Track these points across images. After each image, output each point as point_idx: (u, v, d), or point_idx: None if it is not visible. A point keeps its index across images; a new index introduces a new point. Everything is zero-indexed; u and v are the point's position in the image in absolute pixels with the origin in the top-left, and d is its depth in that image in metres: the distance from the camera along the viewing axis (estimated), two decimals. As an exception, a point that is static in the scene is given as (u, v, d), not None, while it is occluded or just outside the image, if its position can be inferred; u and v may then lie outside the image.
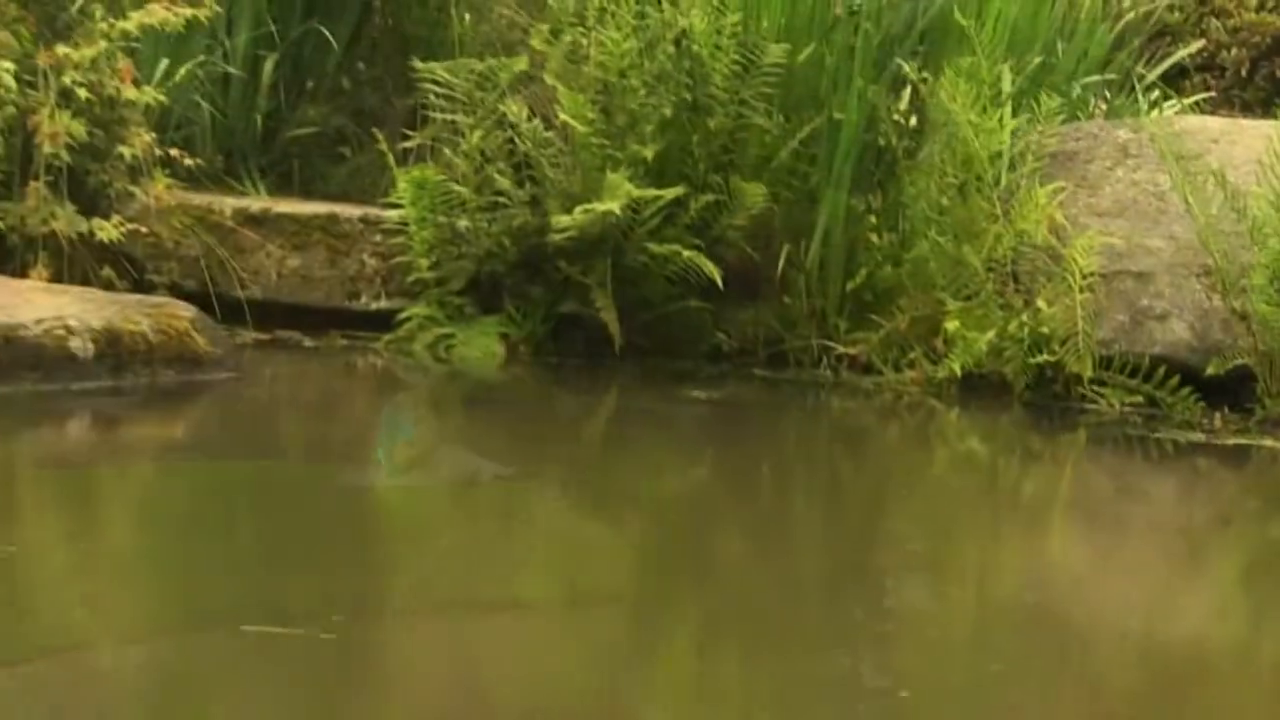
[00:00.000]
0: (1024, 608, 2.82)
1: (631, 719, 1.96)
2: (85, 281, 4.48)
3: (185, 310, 3.83)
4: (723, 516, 3.38)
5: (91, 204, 4.62)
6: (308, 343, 4.50)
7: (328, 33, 5.16)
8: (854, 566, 3.00)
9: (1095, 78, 5.13)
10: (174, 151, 4.63)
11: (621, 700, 1.99)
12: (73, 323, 3.57)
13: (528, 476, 3.46)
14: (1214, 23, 6.06)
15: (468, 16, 5.20)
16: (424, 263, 4.65)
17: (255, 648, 1.96)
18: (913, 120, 4.62)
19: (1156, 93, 5.31)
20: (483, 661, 2.12)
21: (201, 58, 4.89)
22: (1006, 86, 4.60)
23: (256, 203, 4.86)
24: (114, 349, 3.60)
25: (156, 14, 4.55)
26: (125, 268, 4.63)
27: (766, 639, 2.37)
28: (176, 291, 4.53)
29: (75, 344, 3.53)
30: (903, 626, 2.56)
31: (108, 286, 4.44)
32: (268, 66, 5.08)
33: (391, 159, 4.77)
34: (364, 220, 4.80)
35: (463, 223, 4.60)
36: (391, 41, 5.36)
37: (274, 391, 4.22)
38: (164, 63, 4.82)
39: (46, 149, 4.41)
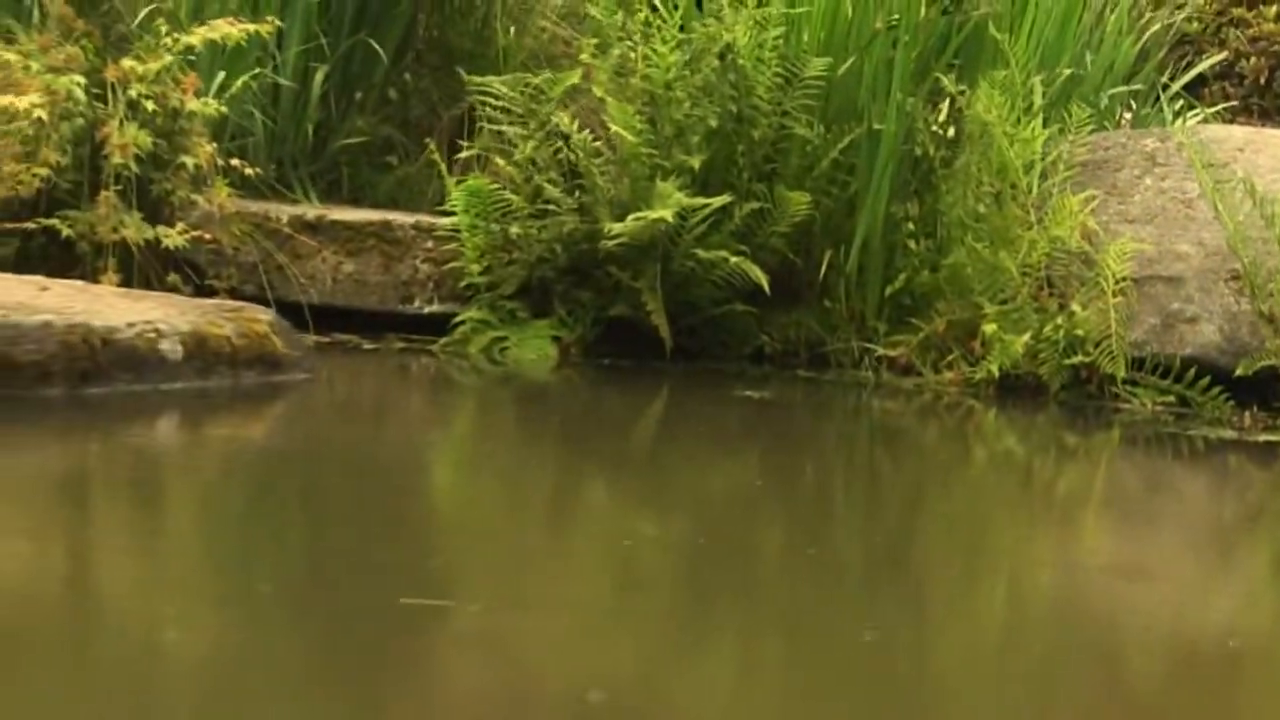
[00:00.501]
0: (1057, 598, 3.02)
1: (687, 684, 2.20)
2: (149, 287, 4.75)
3: (263, 314, 4.10)
4: (775, 508, 3.63)
5: (154, 212, 4.88)
6: (366, 345, 4.76)
7: (376, 45, 5.42)
8: (895, 558, 3.23)
9: (1122, 88, 5.41)
10: (234, 161, 4.90)
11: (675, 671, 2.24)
12: (162, 326, 3.83)
13: (592, 470, 3.73)
14: (1233, 32, 6.35)
15: (512, 30, 5.48)
16: (475, 268, 4.92)
17: (418, 616, 2.23)
18: (950, 131, 4.89)
19: (1181, 102, 5.59)
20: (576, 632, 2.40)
21: (257, 70, 5.15)
22: (1038, 99, 4.88)
23: (312, 210, 5.13)
24: (201, 351, 3.86)
25: (220, 29, 4.82)
26: (187, 274, 4.89)
27: (807, 624, 2.55)
28: (236, 296, 4.79)
29: (165, 346, 3.79)
30: (939, 614, 2.77)
31: (173, 292, 4.70)
32: (318, 78, 5.35)
33: (444, 168, 5.03)
34: (416, 227, 5.07)
35: (514, 229, 4.86)
36: (436, 54, 5.64)
37: (350, 391, 4.49)
38: (220, 75, 5.09)
39: (116, 160, 4.67)
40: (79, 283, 4.33)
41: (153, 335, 3.81)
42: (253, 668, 2.05)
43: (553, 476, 3.74)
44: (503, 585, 2.60)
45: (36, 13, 5.52)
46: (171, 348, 3.82)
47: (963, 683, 2.34)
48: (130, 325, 3.81)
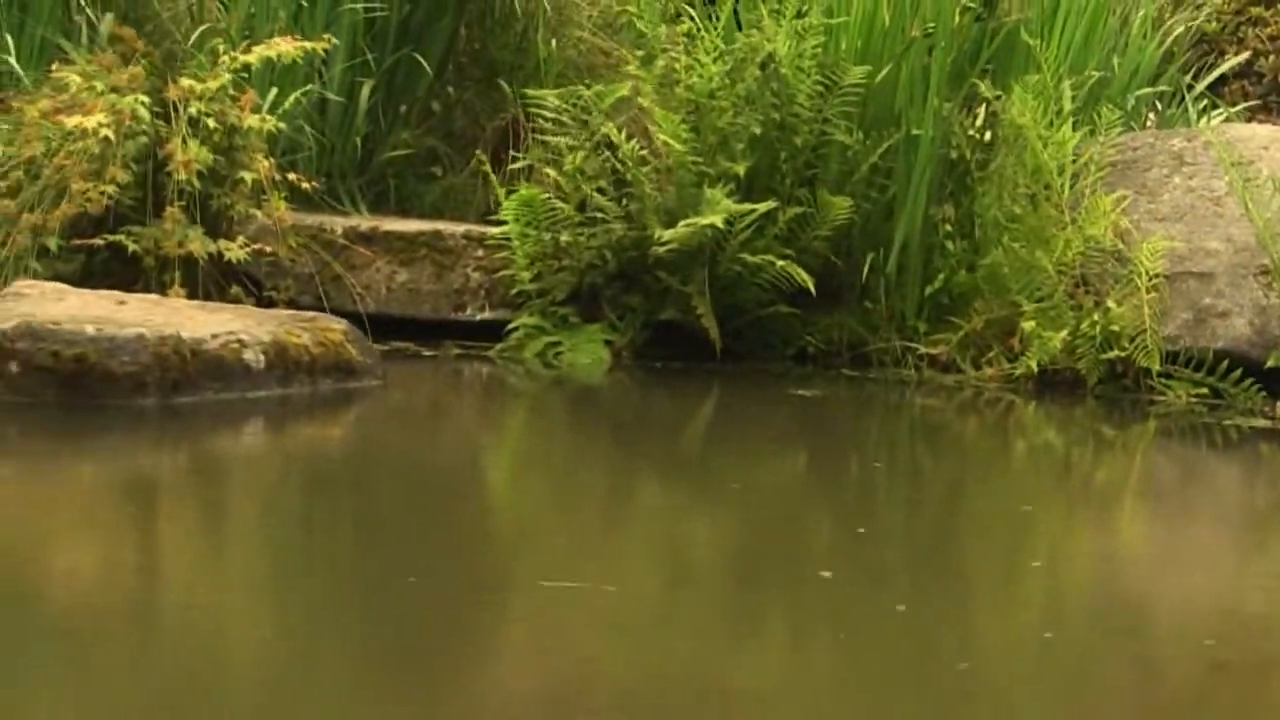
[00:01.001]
0: (1095, 582, 3.26)
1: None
2: (210, 299, 5.00)
3: (337, 323, 4.36)
4: (832, 499, 3.92)
5: (213, 226, 5.14)
6: (425, 352, 5.02)
7: (421, 59, 5.68)
8: (939, 545, 3.50)
9: (1147, 90, 5.68)
10: (291, 176, 5.15)
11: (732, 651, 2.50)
12: (244, 337, 4.09)
13: (660, 465, 4.01)
14: (1251, 31, 6.63)
15: (553, 41, 5.74)
16: (526, 275, 5.18)
17: (561, 597, 2.50)
18: (986, 135, 5.15)
19: (1205, 102, 5.87)
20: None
21: (310, 86, 5.41)
22: (1068, 103, 5.14)
23: (365, 222, 5.39)
24: (282, 360, 4.12)
25: (278, 47, 5.08)
26: (247, 286, 5.15)
27: (856, 610, 2.78)
28: (293, 307, 5.05)
29: (249, 356, 4.05)
30: (981, 600, 3.02)
31: (235, 303, 4.96)
32: (364, 92, 5.61)
33: (494, 179, 5.29)
34: (466, 237, 5.33)
35: (564, 237, 5.12)
36: (478, 66, 5.90)
37: (420, 397, 4.76)
38: (273, 91, 5.35)
39: (181, 176, 4.93)
40: (154, 296, 4.60)
41: (236, 345, 4.07)
42: (367, 646, 2.32)
43: (626, 472, 4.02)
44: (596, 569, 2.87)
45: (85, 30, 5.80)
46: (254, 357, 4.08)
47: (1004, 668, 2.54)
48: (215, 336, 4.08)
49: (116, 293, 4.55)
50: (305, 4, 5.57)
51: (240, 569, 2.94)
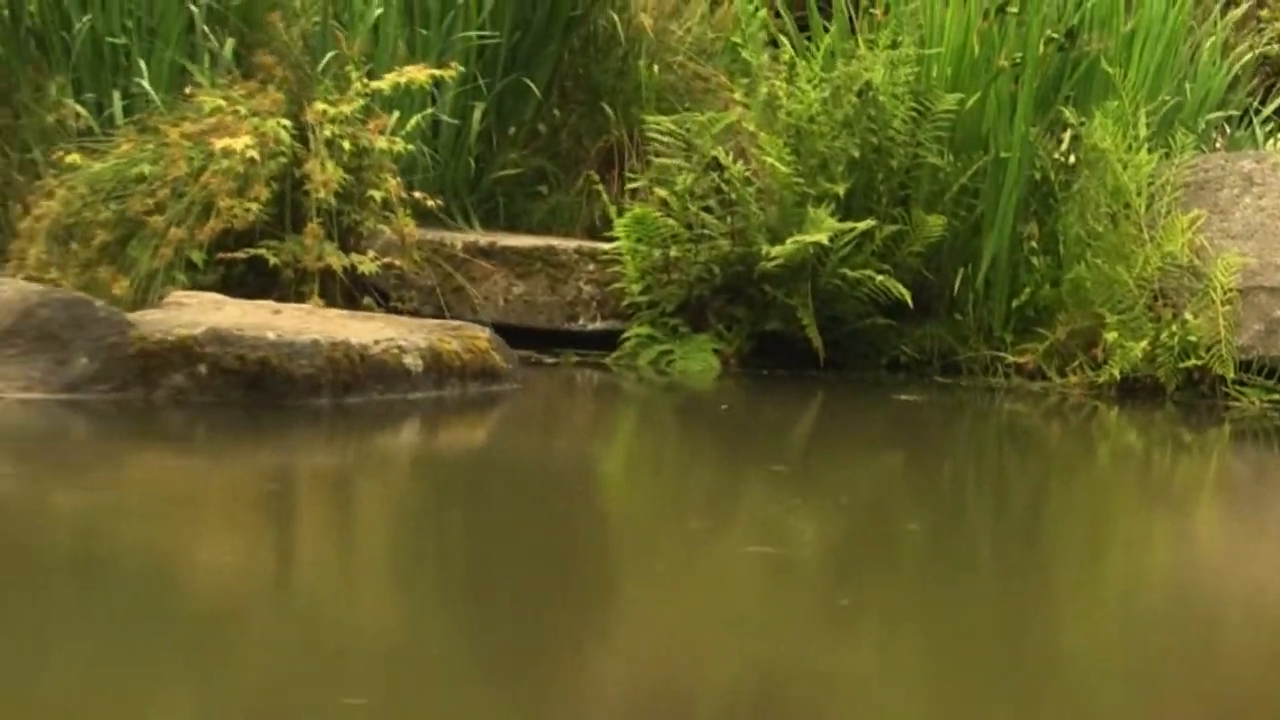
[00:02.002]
0: (1172, 574, 3.71)
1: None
2: (341, 309, 5.56)
3: (482, 332, 4.92)
4: (927, 494, 4.45)
5: (343, 241, 5.70)
6: (547, 360, 5.57)
7: (530, 83, 6.25)
8: (1029, 538, 4.01)
9: (1217, 114, 6.23)
10: (417, 194, 5.71)
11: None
12: (403, 343, 4.64)
13: (783, 462, 4.57)
14: (1312, 56, 7.17)
15: (655, 67, 6.30)
16: (636, 288, 5.72)
17: (765, 558, 3.05)
18: (1070, 158, 5.70)
19: (1271, 124, 6.42)
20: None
21: (429, 110, 5.97)
22: (1143, 130, 5.69)
23: (483, 237, 5.94)
24: (437, 365, 4.67)
25: (409, 74, 5.65)
26: (375, 297, 5.71)
27: (946, 599, 3.16)
28: (417, 317, 5.60)
29: (408, 360, 4.60)
30: (1066, 589, 3.46)
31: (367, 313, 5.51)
32: (476, 115, 6.17)
33: (606, 197, 5.85)
34: (578, 251, 5.89)
35: (673, 253, 5.68)
36: (582, 90, 6.46)
37: (553, 400, 5.33)
38: (395, 114, 5.91)
39: (320, 195, 5.49)
40: (306, 305, 5.15)
41: (396, 351, 4.63)
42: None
43: (743, 470, 4.56)
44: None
45: (207, 55, 6.37)
46: (413, 362, 4.63)
47: (1085, 654, 2.82)
48: (377, 342, 4.63)
49: (270, 302, 5.12)
50: (423, 32, 6.14)
51: (387, 558, 3.39)
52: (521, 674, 2.47)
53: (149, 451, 4.33)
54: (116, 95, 6.24)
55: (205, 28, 6.39)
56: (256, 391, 4.40)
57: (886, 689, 2.50)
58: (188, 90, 5.97)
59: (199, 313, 4.85)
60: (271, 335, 4.45)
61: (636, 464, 4.53)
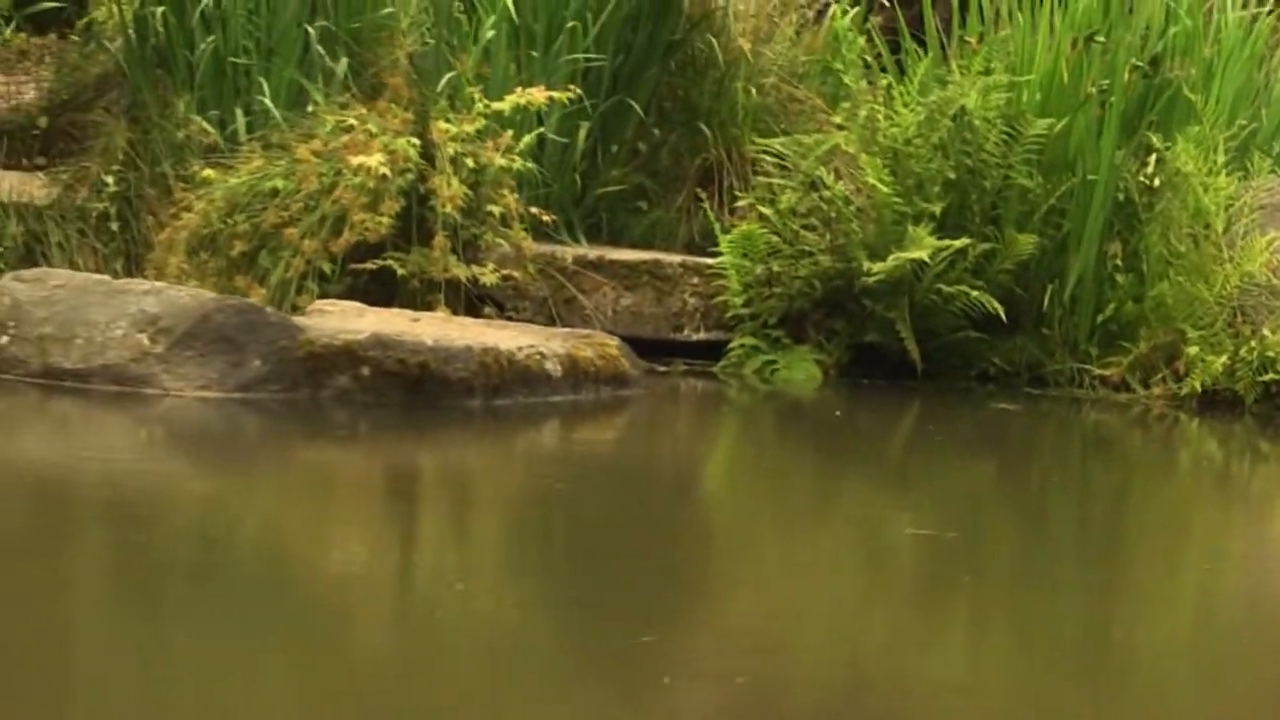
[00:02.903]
0: (1248, 577, 4.16)
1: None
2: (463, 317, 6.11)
3: (611, 340, 5.47)
4: (1018, 497, 5.00)
5: (463, 253, 6.26)
6: (659, 368, 6.12)
7: (632, 103, 6.81)
8: (1114, 541, 4.54)
9: (1292, 138, 6.79)
10: (534, 210, 6.27)
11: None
12: (543, 350, 5.20)
13: (893, 464, 5.13)
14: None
15: (752, 90, 6.87)
16: (739, 300, 6.28)
17: (921, 540, 3.61)
18: (1154, 180, 6.25)
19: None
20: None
21: (540, 129, 6.53)
22: (1222, 154, 6.24)
23: (592, 251, 6.50)
24: (574, 370, 5.23)
25: (528, 95, 6.22)
26: (493, 307, 6.26)
27: (1031, 599, 3.59)
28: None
29: (549, 366, 5.15)
30: (1146, 591, 3.93)
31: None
32: (581, 134, 6.72)
33: (711, 214, 6.42)
34: (683, 265, 6.44)
35: (775, 267, 6.23)
36: (680, 110, 7.02)
37: (674, 404, 5.89)
38: (508, 133, 6.46)
39: (447, 210, 6.05)
40: (439, 314, 5.71)
41: (538, 357, 5.18)
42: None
43: (853, 473, 5.14)
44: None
45: (321, 74, 6.93)
46: (553, 367, 5.19)
47: (1164, 655, 3.14)
48: (520, 349, 5.19)
49: (407, 311, 5.68)
50: (532, 55, 6.70)
51: (514, 552, 3.86)
52: (612, 670, 2.74)
53: (317, 447, 4.89)
54: (239, 112, 6.81)
55: (320, 48, 6.97)
56: (414, 393, 4.96)
57: (978, 679, 2.86)
58: (310, 108, 6.55)
59: (343, 319, 5.41)
60: (429, 341, 5.00)
61: (761, 463, 5.12)
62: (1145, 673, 3.00)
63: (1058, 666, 2.95)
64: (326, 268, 6.05)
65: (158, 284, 5.21)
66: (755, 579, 3.63)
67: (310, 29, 6.95)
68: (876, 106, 6.26)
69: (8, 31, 8.35)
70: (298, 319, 5.11)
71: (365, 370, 4.95)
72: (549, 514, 4.27)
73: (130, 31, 7.11)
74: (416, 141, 6.12)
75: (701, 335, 6.38)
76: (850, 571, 3.83)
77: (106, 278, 5.43)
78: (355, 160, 6.01)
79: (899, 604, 3.54)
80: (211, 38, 6.90)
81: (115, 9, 7.34)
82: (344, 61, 6.93)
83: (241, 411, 4.88)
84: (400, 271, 6.07)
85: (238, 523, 3.93)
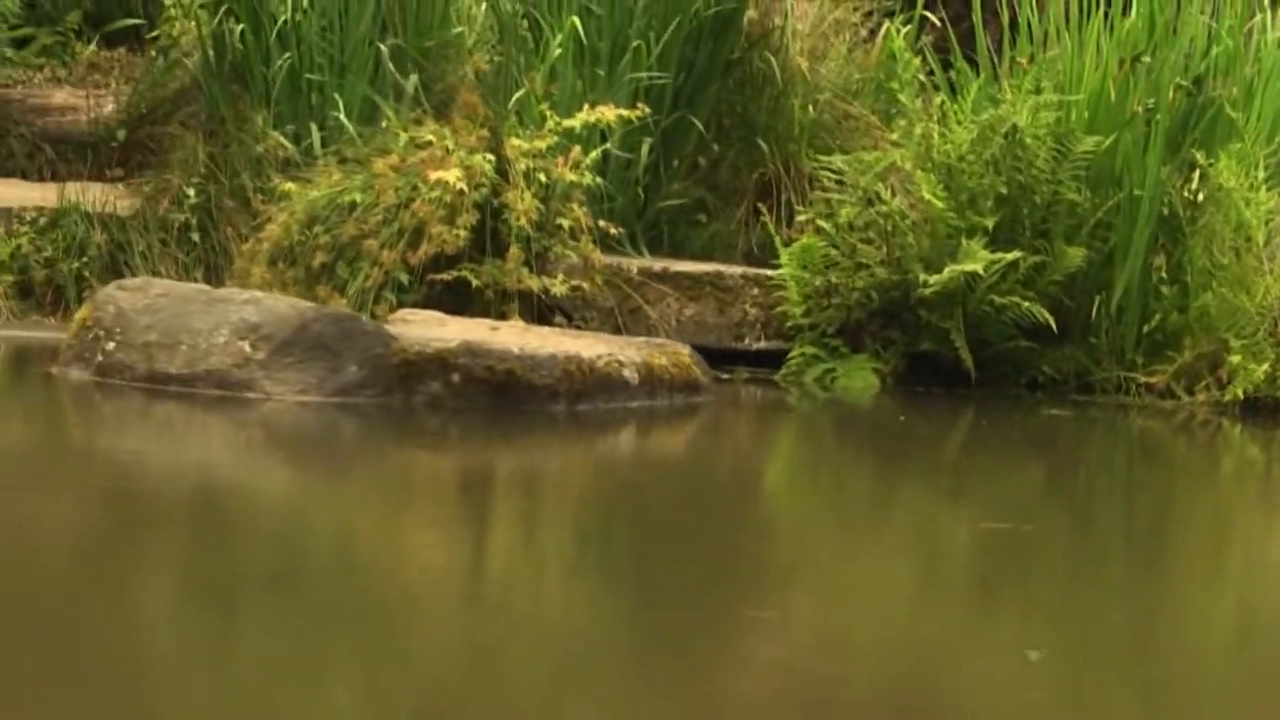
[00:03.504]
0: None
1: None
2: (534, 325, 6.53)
3: (684, 348, 5.89)
4: (1070, 500, 5.41)
5: (534, 265, 6.68)
6: (722, 376, 6.54)
7: (693, 119, 7.23)
8: (1160, 541, 4.94)
9: (1330, 155, 7.19)
10: (601, 223, 6.69)
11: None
12: (621, 358, 5.61)
13: (953, 468, 5.55)
14: None
15: (810, 108, 7.28)
16: (798, 311, 6.69)
17: (995, 535, 4.02)
18: (1198, 196, 6.65)
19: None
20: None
21: (606, 145, 6.95)
22: (1262, 170, 6.65)
23: (656, 263, 6.91)
24: (650, 377, 5.65)
25: (599, 113, 6.64)
26: (562, 316, 6.68)
27: (1077, 602, 3.89)
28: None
29: (627, 373, 5.57)
30: (1191, 592, 4.27)
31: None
32: (644, 149, 7.14)
33: (771, 227, 6.83)
34: (744, 277, 6.85)
35: (834, 279, 6.64)
36: (739, 127, 7.44)
37: (741, 410, 6.31)
38: (577, 148, 6.88)
39: (521, 223, 6.47)
40: (517, 324, 6.13)
41: (616, 364, 5.60)
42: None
43: (927, 470, 5.55)
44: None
45: (391, 90, 7.36)
46: (631, 374, 5.61)
47: (1208, 655, 3.36)
48: (599, 357, 5.60)
49: (486, 320, 6.10)
50: (598, 73, 7.12)
51: (583, 553, 4.21)
52: (672, 670, 2.99)
53: (411, 450, 5.32)
54: (314, 127, 7.25)
55: (391, 65, 7.40)
56: (501, 398, 5.38)
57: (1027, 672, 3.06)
58: (383, 124, 6.98)
59: (427, 328, 5.83)
60: (515, 349, 5.42)
61: (833, 464, 5.56)
62: (1180, 670, 3.28)
63: (1100, 648, 3.31)
64: (403, 278, 6.47)
65: (256, 294, 5.62)
66: (834, 569, 4.05)
67: (381, 47, 7.39)
68: (931, 124, 6.66)
69: (78, 45, 8.78)
70: (389, 327, 5.52)
71: (455, 377, 5.36)
72: (638, 512, 4.68)
73: (208, 48, 7.53)
74: (492, 157, 6.55)
75: (762, 344, 6.79)
76: (926, 563, 4.24)
77: (206, 287, 5.86)
78: (434, 175, 6.43)
79: (966, 592, 3.97)
80: (287, 54, 7.33)
81: (194, 25, 7.77)
82: (414, 78, 7.37)
83: (339, 416, 5.30)
84: (475, 282, 6.49)
85: (336, 520, 4.34)
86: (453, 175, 6.42)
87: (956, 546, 4.47)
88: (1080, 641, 3.36)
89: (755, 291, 6.82)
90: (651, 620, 3.35)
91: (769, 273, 6.80)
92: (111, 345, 5.44)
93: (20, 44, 8.67)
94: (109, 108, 7.96)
